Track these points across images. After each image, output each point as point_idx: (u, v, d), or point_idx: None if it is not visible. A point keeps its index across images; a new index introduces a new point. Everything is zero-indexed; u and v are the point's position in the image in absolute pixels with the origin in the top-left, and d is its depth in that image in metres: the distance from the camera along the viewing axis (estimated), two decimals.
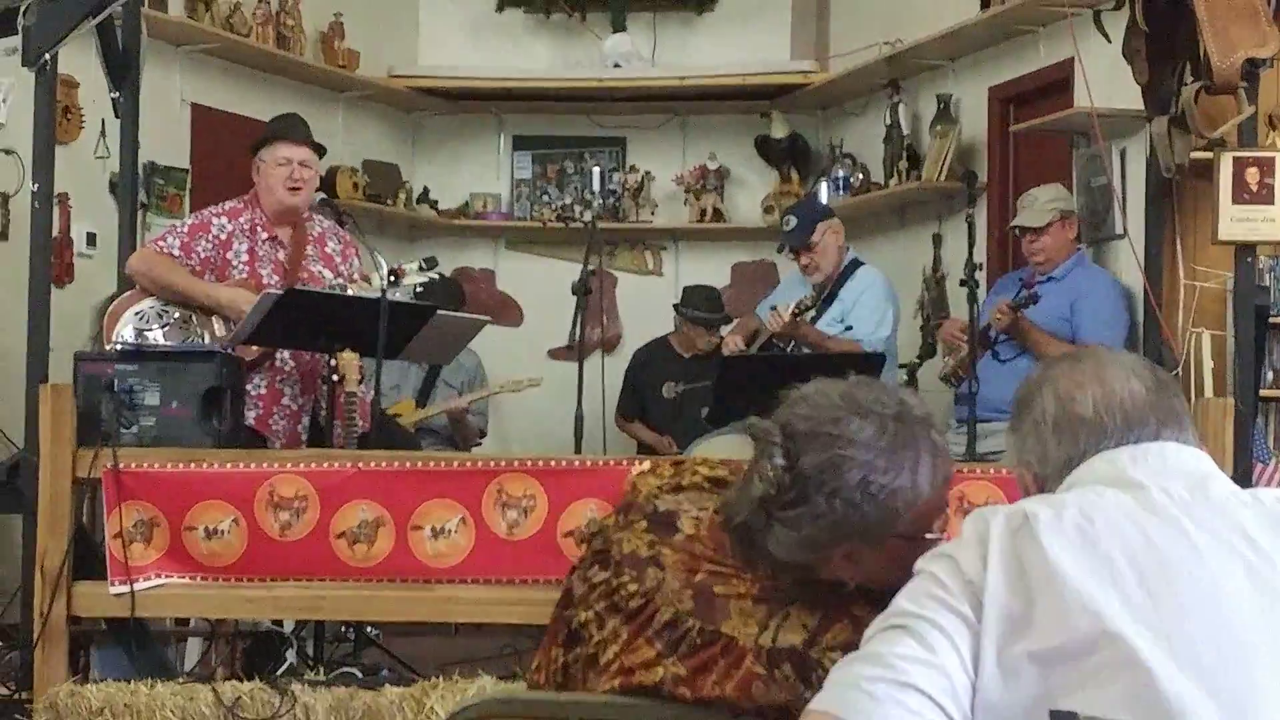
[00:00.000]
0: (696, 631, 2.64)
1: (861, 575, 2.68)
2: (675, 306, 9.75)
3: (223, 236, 6.99)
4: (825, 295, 8.05)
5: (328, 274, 7.05)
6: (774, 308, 8.05)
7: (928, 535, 2.67)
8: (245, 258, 7.00)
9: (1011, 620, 2.18)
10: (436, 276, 7.44)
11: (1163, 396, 2.46)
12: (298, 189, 7.05)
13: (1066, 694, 2.11)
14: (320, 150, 7.26)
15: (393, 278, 6.79)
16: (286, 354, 6.94)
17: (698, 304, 9.62)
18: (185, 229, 7.05)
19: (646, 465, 2.99)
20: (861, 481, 2.63)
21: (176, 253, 6.88)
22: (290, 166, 7.04)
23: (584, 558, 2.87)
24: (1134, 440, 2.41)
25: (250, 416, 6.83)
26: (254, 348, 6.77)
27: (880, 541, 2.66)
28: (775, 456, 2.66)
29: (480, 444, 9.59)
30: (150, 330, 6.78)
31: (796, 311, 7.78)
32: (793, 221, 8.35)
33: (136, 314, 6.82)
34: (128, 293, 6.93)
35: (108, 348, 6.60)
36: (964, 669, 2.20)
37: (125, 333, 6.75)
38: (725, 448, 7.33)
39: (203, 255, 6.92)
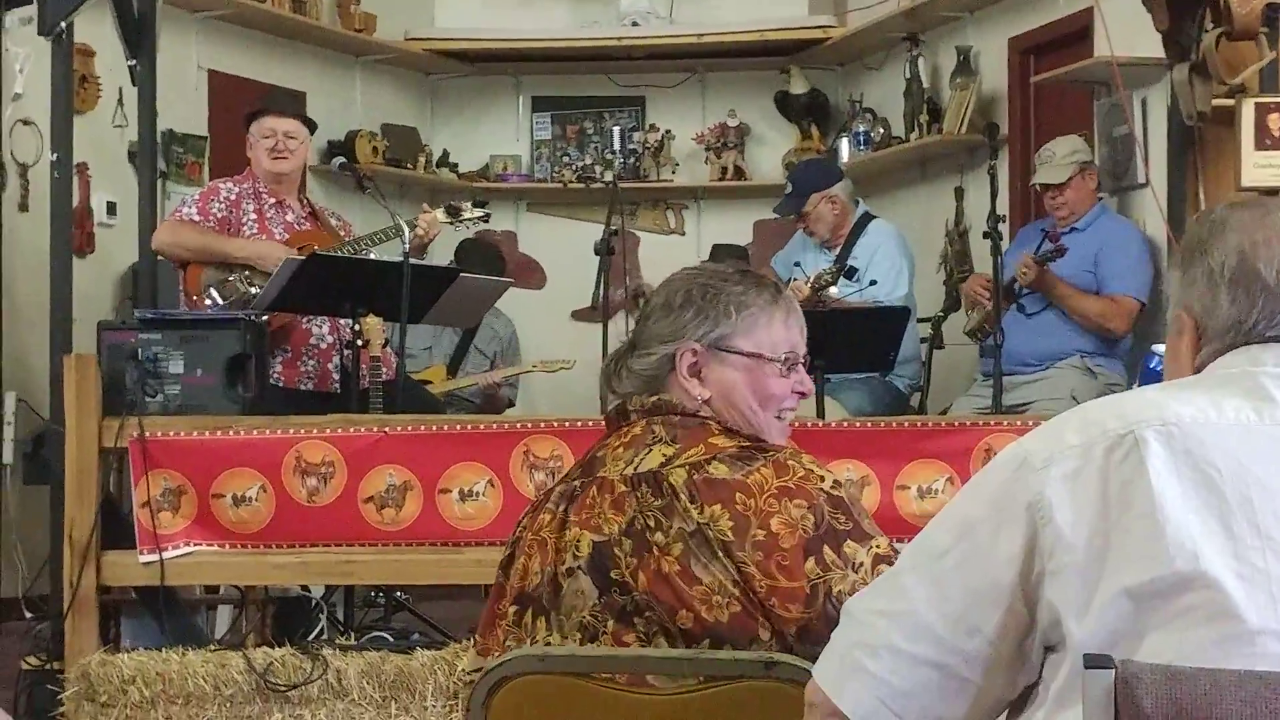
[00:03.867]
0: (580, 486, 2.91)
1: (713, 392, 3.00)
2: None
3: (232, 198, 7.12)
4: (839, 258, 8.02)
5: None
6: (793, 279, 8.02)
7: (768, 356, 3.01)
8: (254, 217, 7.13)
9: (1095, 552, 2.07)
10: (488, 215, 7.70)
11: None
12: (282, 157, 7.20)
13: (1154, 630, 2.03)
14: (309, 124, 7.47)
15: (451, 214, 7.28)
16: None
17: (724, 261, 9.62)
18: (197, 196, 7.24)
19: None
20: (687, 287, 3.04)
21: (197, 218, 6.97)
22: (275, 138, 7.21)
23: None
24: None
25: (277, 371, 6.87)
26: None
27: (721, 350, 3.00)
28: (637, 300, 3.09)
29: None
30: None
31: (816, 286, 7.74)
32: (789, 188, 8.37)
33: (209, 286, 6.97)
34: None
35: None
36: (952, 596, 2.15)
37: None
38: None
39: (219, 215, 7.04)
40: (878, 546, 2.81)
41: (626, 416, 3.02)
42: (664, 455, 2.87)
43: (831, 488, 2.82)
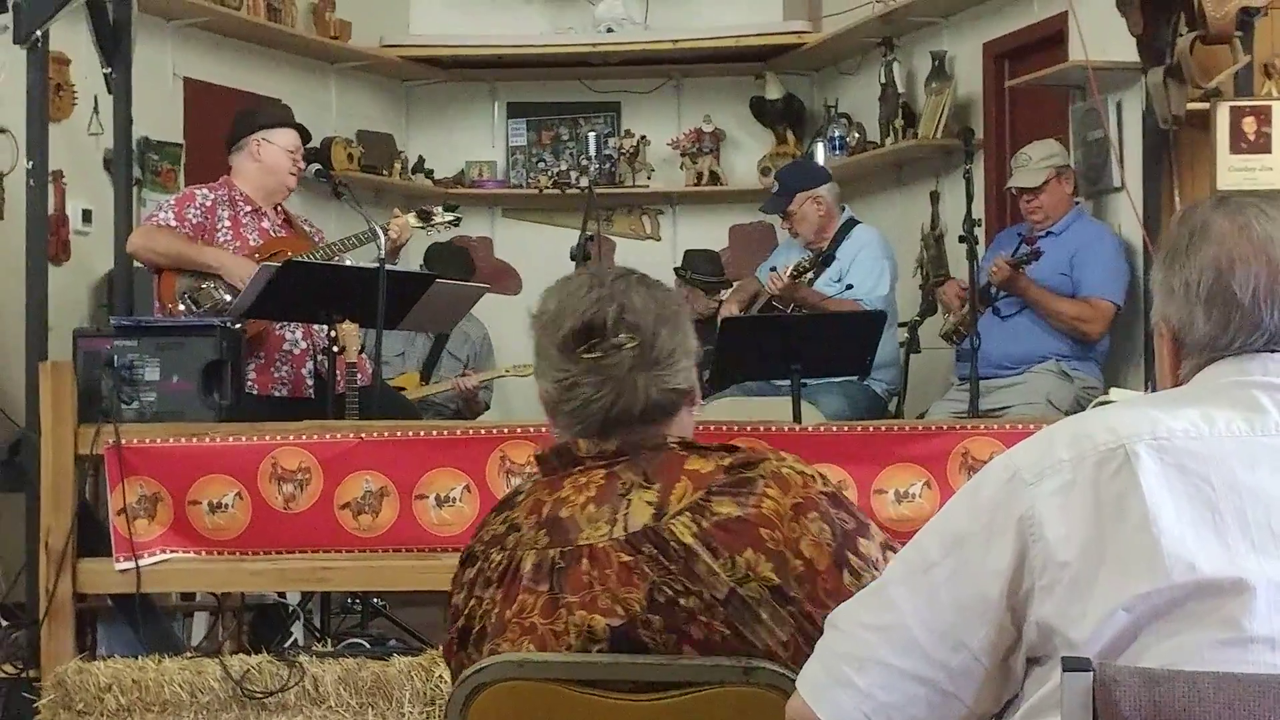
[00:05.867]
0: (559, 556, 2.63)
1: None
2: (676, 270, 9.73)
3: (207, 204, 7.13)
4: (823, 256, 8.04)
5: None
6: (773, 269, 8.05)
7: (697, 405, 2.84)
8: (228, 224, 7.13)
9: (1089, 566, 2.06)
10: (459, 218, 7.78)
11: None
12: (296, 175, 7.32)
13: (1153, 642, 2.03)
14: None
15: (422, 219, 7.38)
16: None
17: (699, 267, 9.62)
18: (172, 201, 7.26)
19: None
20: (665, 298, 2.79)
21: (172, 223, 6.97)
22: (298, 154, 7.30)
23: (455, 579, 2.80)
24: None
25: (251, 378, 6.86)
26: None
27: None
28: (616, 321, 2.71)
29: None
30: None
31: (795, 274, 7.78)
32: (775, 186, 8.41)
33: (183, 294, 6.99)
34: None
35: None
36: (940, 610, 2.15)
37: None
38: (726, 409, 7.33)
39: (194, 221, 7.05)
40: (875, 533, 2.67)
41: (576, 461, 2.72)
42: (649, 504, 2.61)
43: (824, 486, 2.66)
